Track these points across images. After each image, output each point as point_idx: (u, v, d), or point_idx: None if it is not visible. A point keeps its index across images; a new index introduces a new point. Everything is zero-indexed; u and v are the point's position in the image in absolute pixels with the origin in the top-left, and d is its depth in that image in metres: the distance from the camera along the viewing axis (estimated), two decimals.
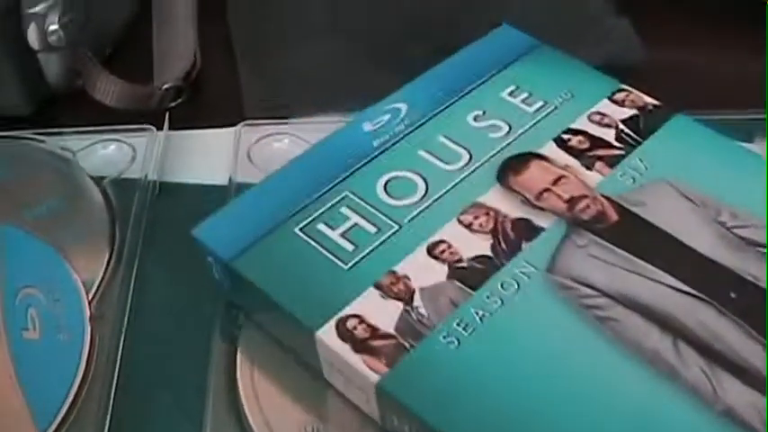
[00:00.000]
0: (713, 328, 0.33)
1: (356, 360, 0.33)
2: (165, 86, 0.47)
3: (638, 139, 0.40)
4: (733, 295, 0.35)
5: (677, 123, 0.41)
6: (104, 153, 0.45)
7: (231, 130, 0.45)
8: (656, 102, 0.42)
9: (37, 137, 0.46)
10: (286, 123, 0.45)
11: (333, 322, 0.34)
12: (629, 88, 0.42)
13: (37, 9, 0.44)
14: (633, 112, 0.41)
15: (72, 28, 0.45)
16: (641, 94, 0.42)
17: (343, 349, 0.33)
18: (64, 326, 0.37)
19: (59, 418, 0.35)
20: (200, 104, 0.48)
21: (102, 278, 0.40)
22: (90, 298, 0.38)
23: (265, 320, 0.37)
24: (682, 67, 0.48)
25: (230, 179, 0.43)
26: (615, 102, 0.42)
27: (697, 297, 0.34)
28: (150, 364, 0.38)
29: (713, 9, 0.53)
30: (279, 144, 0.44)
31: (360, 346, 0.33)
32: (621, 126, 0.40)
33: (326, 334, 0.33)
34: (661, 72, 0.47)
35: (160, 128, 0.46)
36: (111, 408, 0.35)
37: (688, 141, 0.40)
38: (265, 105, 0.46)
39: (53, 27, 0.44)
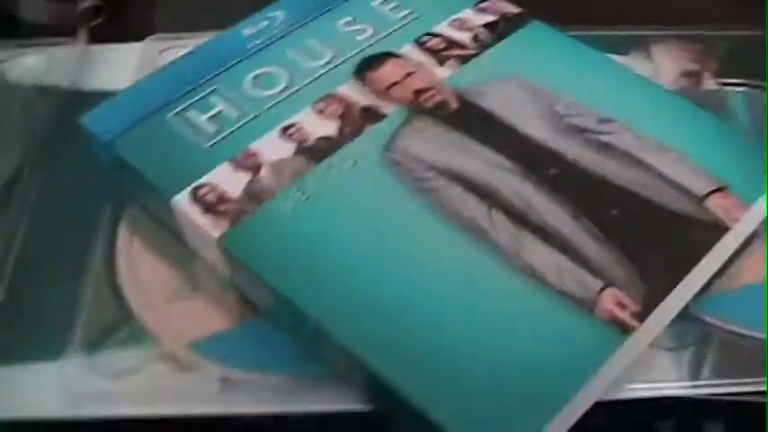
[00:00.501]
0: (527, 198, 0.37)
1: (203, 221, 0.37)
2: (86, 5, 0.51)
3: (492, 41, 0.43)
4: (552, 171, 0.38)
5: (532, 28, 0.44)
6: (27, 63, 0.49)
7: (140, 43, 0.49)
8: (517, 9, 0.45)
9: None
10: (190, 36, 0.48)
11: (188, 190, 0.38)
12: None
13: None
14: (494, 18, 0.45)
15: None
16: (505, 3, 0.45)
17: (194, 211, 0.37)
18: None
19: None
20: (121, 22, 0.52)
21: (13, 172, 0.44)
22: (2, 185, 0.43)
23: (140, 196, 0.41)
24: None
25: None
26: (479, 9, 0.45)
27: (517, 172, 0.38)
28: (45, 240, 0.42)
29: None
30: (182, 52, 0.48)
31: (208, 209, 0.37)
32: (479, 30, 0.44)
33: (181, 200, 0.38)
34: None
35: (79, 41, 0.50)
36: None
37: (538, 43, 0.43)
38: (176, 19, 0.50)
39: None
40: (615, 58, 0.46)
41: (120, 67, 0.48)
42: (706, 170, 0.38)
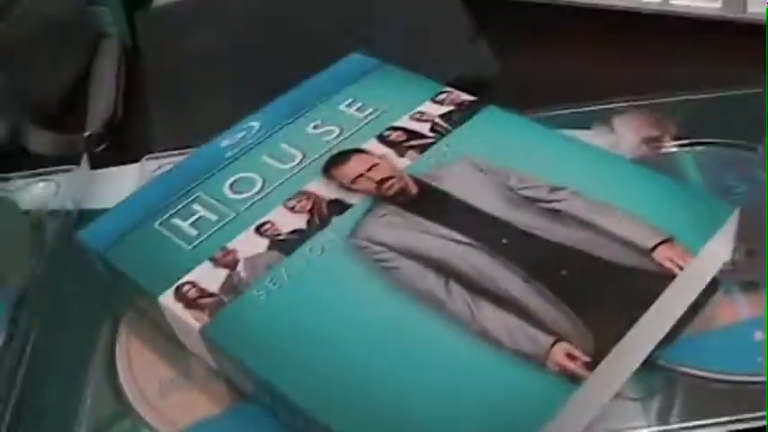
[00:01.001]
0: (481, 268, 0.40)
1: (186, 314, 0.40)
2: (86, 134, 0.56)
3: (449, 128, 0.47)
4: (504, 241, 0.41)
5: (487, 113, 0.47)
6: (34, 191, 0.54)
7: (136, 165, 0.54)
8: (472, 98, 0.49)
9: None
10: (180, 154, 0.53)
11: (172, 289, 0.41)
12: (451, 89, 0.49)
13: None
14: (450, 108, 0.48)
15: (9, 96, 0.55)
16: (461, 93, 0.49)
17: (177, 307, 0.41)
18: None
19: None
20: (121, 148, 0.57)
21: (25, 288, 0.48)
22: (15, 302, 0.47)
23: (134, 298, 0.44)
24: (534, 75, 0.56)
25: None
26: (436, 102, 0.49)
27: (472, 245, 0.41)
28: (53, 347, 0.46)
29: (559, 23, 0.61)
30: None
31: (190, 304, 0.40)
32: (437, 120, 0.47)
33: (166, 297, 0.41)
34: (516, 80, 0.55)
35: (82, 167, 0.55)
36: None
37: (491, 126, 0.47)
38: (169, 141, 0.55)
39: None
40: (579, 133, 0.49)
41: (119, 187, 0.52)
42: (652, 224, 0.40)
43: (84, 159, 0.55)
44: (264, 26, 0.62)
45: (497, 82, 0.55)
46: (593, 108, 0.53)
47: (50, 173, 0.55)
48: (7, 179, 0.55)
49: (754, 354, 0.40)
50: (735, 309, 0.42)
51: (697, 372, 0.40)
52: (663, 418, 0.39)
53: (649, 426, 0.39)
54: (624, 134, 0.51)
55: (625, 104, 0.53)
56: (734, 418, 0.39)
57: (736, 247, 0.43)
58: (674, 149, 0.51)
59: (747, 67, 0.56)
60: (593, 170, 0.44)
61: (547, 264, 0.39)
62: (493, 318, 0.38)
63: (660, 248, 0.39)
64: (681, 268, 0.38)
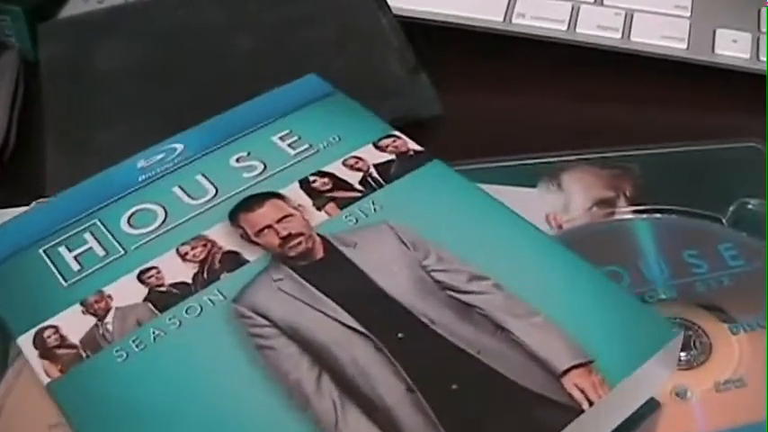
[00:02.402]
0: (363, 364, 0.35)
1: (37, 364, 0.36)
2: None
3: (381, 183, 0.41)
4: (400, 335, 0.36)
5: (429, 169, 0.42)
6: None
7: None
8: (419, 148, 0.43)
9: None
10: None
11: (33, 331, 0.37)
12: (399, 135, 0.44)
13: None
14: (390, 157, 0.43)
15: None
16: (408, 141, 0.43)
17: (32, 354, 0.37)
18: None
19: None
20: (11, 185, 0.50)
21: None
22: None
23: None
24: (477, 116, 0.50)
25: None
26: (378, 147, 0.43)
27: (361, 333, 0.36)
28: None
29: (506, 62, 0.55)
30: None
31: (45, 353, 0.36)
32: (372, 170, 0.42)
33: (24, 340, 0.37)
34: (457, 122, 0.49)
35: None
36: None
37: (428, 187, 0.41)
38: (66, 181, 0.46)
39: None
40: (524, 191, 0.44)
41: None
42: (573, 340, 0.35)
43: None
44: (182, 43, 0.54)
45: (437, 124, 0.49)
46: (539, 161, 0.47)
47: None
48: None
49: None
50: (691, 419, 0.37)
51: None
52: None
53: None
54: (574, 194, 0.46)
55: (575, 158, 0.47)
56: None
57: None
58: (629, 216, 0.45)
59: (717, 117, 0.50)
60: (526, 259, 0.38)
61: (438, 372, 0.34)
62: (355, 427, 0.33)
63: (573, 373, 0.34)
64: (591, 403, 0.33)
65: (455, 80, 0.52)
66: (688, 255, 0.43)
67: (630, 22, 0.55)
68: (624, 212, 0.45)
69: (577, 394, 0.33)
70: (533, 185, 0.46)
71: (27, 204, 0.46)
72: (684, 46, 0.54)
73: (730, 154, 0.47)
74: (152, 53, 0.54)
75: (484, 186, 0.42)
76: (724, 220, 0.44)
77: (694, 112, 0.51)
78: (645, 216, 0.45)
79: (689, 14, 0.56)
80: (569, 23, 0.55)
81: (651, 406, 0.37)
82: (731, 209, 0.45)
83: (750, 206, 0.45)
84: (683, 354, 0.38)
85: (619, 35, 0.54)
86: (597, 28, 0.54)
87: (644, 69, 0.54)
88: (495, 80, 0.55)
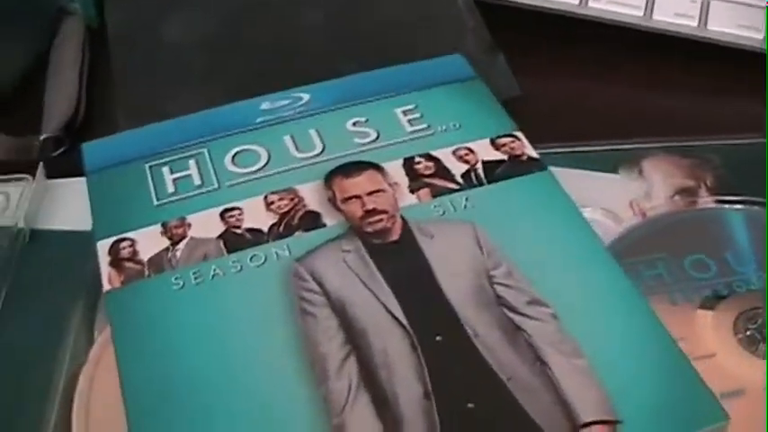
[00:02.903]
0: (392, 357, 0.34)
1: (105, 270, 0.38)
2: (43, 137, 0.49)
3: (483, 181, 0.40)
4: (438, 338, 0.35)
5: (536, 179, 0.40)
6: None
7: None
8: (535, 155, 0.41)
9: None
10: None
11: (113, 238, 0.39)
12: (521, 137, 0.42)
13: None
14: (503, 157, 0.41)
15: None
16: (527, 145, 0.42)
17: (104, 260, 0.39)
18: None
19: None
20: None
21: None
22: None
23: None
24: (555, 100, 0.49)
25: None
26: (494, 144, 0.42)
27: (402, 326, 0.35)
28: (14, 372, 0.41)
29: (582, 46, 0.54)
30: None
31: (115, 262, 0.38)
32: (479, 166, 0.41)
33: (102, 245, 0.39)
34: (535, 105, 0.47)
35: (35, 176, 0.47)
36: None
37: (529, 198, 0.40)
38: None
39: None
40: (606, 176, 0.44)
41: (80, 202, 0.44)
42: (608, 394, 0.33)
43: (40, 169, 0.47)
44: (249, 15, 0.53)
45: (513, 105, 0.46)
46: (619, 147, 0.46)
47: None
48: None
49: None
50: None
51: None
52: None
53: None
54: (655, 182, 0.45)
55: (655, 146, 0.46)
56: None
57: None
58: (714, 205, 0.44)
59: None
60: (594, 298, 0.36)
61: (461, 386, 0.33)
62: (360, 417, 0.33)
63: (594, 428, 0.32)
64: None
65: (530, 63, 0.51)
66: None
67: (707, 10, 0.53)
68: (706, 202, 0.44)
69: None
70: (614, 172, 0.45)
71: None
72: (761, 36, 0.52)
73: None
74: (218, 24, 0.53)
75: (566, 171, 0.41)
76: None
77: None
78: (733, 206, 0.44)
79: (766, 3, 0.53)
80: (645, 9, 0.54)
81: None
82: None
83: None
84: None
85: (695, 23, 0.53)
86: (674, 15, 0.53)
87: (720, 59, 0.52)
88: (570, 64, 0.54)
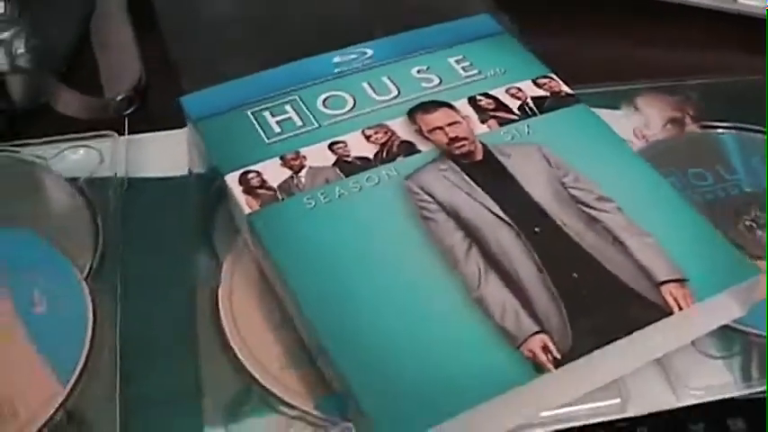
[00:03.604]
0: (505, 244, 0.43)
1: (242, 198, 0.45)
2: (119, 97, 0.55)
3: (536, 112, 0.50)
4: (537, 229, 0.44)
5: (576, 109, 0.50)
6: (74, 158, 0.52)
7: (184, 129, 0.53)
8: (570, 91, 0.51)
9: (11, 148, 0.52)
10: None
11: (239, 172, 0.46)
12: (554, 77, 0.52)
13: (4, 36, 0.52)
14: (546, 93, 0.51)
15: (36, 51, 0.53)
16: (561, 83, 0.52)
17: (237, 189, 0.45)
18: (64, 299, 0.45)
19: (77, 373, 0.42)
20: (150, 111, 0.56)
21: (92, 261, 0.47)
22: (85, 276, 0.46)
23: (217, 179, 0.48)
24: (558, 53, 0.56)
25: (189, 171, 0.51)
26: (536, 84, 0.51)
27: (506, 222, 0.44)
28: (143, 322, 0.45)
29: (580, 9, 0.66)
30: None
31: (248, 190, 0.45)
32: (529, 101, 0.50)
33: (231, 177, 0.46)
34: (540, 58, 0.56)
35: (121, 133, 0.53)
36: (118, 357, 0.43)
37: (573, 123, 0.49)
38: None
39: (20, 51, 0.52)
40: (609, 113, 0.54)
41: (168, 153, 0.53)
42: (673, 261, 0.42)
43: (125, 124, 0.53)
44: None
45: None
46: (616, 88, 0.58)
47: (83, 138, 0.53)
48: (30, 144, 0.53)
49: None
50: None
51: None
52: (745, 376, 0.44)
53: (735, 382, 0.44)
54: (650, 114, 0.56)
55: (645, 86, 0.58)
56: None
57: None
58: (698, 130, 0.56)
59: (752, 57, 0.62)
60: (644, 193, 0.46)
61: (564, 262, 0.42)
62: (494, 290, 0.41)
63: (670, 285, 0.42)
64: (680, 308, 0.41)
65: (532, 23, 0.60)
66: (753, 160, 0.54)
67: None
68: (692, 128, 0.56)
69: (671, 301, 0.41)
70: (617, 108, 0.57)
71: (170, 129, 0.54)
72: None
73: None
74: None
75: None
76: None
77: (733, 53, 0.64)
78: (714, 130, 0.56)
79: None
80: None
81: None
82: None
83: None
84: None
85: None
86: None
87: (693, 17, 0.65)
88: (569, 24, 0.66)
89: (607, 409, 0.43)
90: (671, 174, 0.52)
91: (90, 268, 0.47)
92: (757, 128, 0.56)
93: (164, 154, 0.53)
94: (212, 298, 0.46)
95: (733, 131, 0.56)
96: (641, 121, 0.56)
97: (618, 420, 0.43)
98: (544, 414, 0.42)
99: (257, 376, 0.43)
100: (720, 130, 0.56)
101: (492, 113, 0.50)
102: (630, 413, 0.43)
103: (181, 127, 0.53)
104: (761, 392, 0.44)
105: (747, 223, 0.50)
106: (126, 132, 0.54)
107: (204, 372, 0.43)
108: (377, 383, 0.38)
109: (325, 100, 0.50)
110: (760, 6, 0.64)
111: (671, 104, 0.57)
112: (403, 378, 0.38)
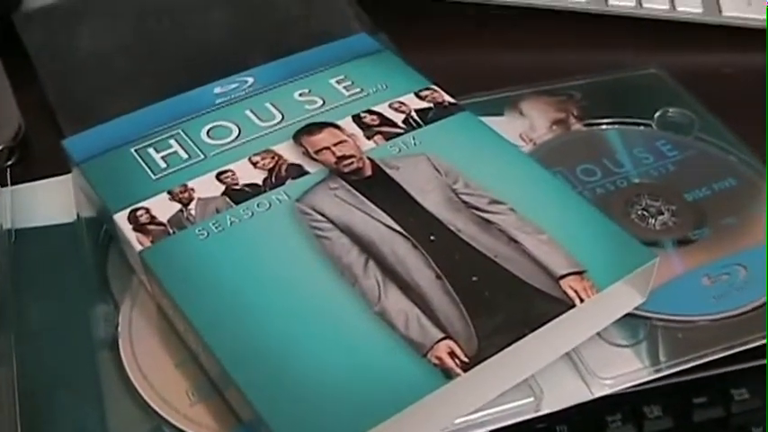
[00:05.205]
0: (402, 256, 0.43)
1: (131, 235, 0.44)
2: (0, 148, 0.54)
3: (421, 124, 0.50)
4: (432, 238, 0.44)
5: (461, 117, 0.50)
6: None
7: (68, 176, 0.52)
8: (453, 100, 0.51)
9: None
10: None
11: (127, 210, 0.45)
12: (436, 88, 0.52)
13: None
14: (429, 105, 0.51)
15: None
16: (443, 94, 0.52)
17: (127, 227, 0.44)
18: None
19: None
20: (33, 159, 0.56)
21: None
22: None
23: (106, 221, 0.48)
24: (437, 65, 0.57)
25: (78, 215, 0.50)
26: (419, 96, 0.52)
27: (401, 233, 0.44)
28: (43, 373, 0.44)
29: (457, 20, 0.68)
30: None
31: (138, 227, 0.44)
32: (413, 113, 0.51)
33: (120, 216, 0.45)
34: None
35: (4, 184, 0.53)
36: (17, 412, 0.42)
37: (460, 130, 0.50)
38: None
39: None
40: (493, 119, 0.55)
41: (55, 200, 0.52)
42: (570, 254, 0.43)
43: (8, 175, 0.53)
44: (157, 20, 0.61)
45: None
46: (499, 96, 0.59)
47: None
48: None
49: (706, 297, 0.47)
50: (673, 263, 0.49)
51: (668, 317, 0.46)
52: (654, 361, 0.45)
53: (645, 367, 0.44)
54: (534, 117, 0.57)
55: (527, 91, 0.59)
56: (712, 349, 0.45)
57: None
58: (583, 128, 0.57)
59: (623, 54, 0.66)
60: (535, 191, 0.46)
61: (462, 267, 0.42)
62: (395, 302, 0.41)
63: (569, 278, 0.42)
64: (581, 300, 0.41)
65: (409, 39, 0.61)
66: (637, 151, 0.56)
67: None
68: (577, 127, 0.58)
69: (571, 293, 0.41)
70: (500, 114, 0.58)
71: (53, 176, 0.53)
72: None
73: (643, 79, 0.62)
74: (130, 31, 0.61)
75: None
76: (654, 125, 0.58)
77: (605, 52, 0.67)
78: (598, 127, 0.58)
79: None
80: None
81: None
82: (656, 116, 0.58)
83: (669, 113, 0.59)
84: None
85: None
86: None
87: (560, 21, 0.68)
88: (445, 37, 0.68)
89: (521, 408, 0.43)
90: (560, 172, 0.53)
91: None
92: (639, 121, 0.58)
93: (50, 201, 0.52)
94: (113, 341, 0.45)
95: (616, 126, 0.57)
96: (526, 124, 0.57)
97: (536, 420, 0.43)
98: (459, 421, 0.41)
99: (166, 416, 0.42)
100: (604, 127, 0.57)
101: (377, 129, 0.50)
102: (546, 410, 0.43)
103: (67, 172, 0.52)
104: (671, 378, 0.44)
105: (639, 212, 0.51)
106: (9, 183, 0.52)
107: (110, 418, 0.42)
108: (286, 406, 0.37)
109: (209, 131, 0.49)
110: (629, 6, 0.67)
111: (554, 106, 0.58)
112: (312, 398, 0.38)
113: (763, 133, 0.56)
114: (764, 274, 0.48)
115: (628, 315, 0.45)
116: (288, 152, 0.48)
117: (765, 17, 0.66)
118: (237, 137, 0.49)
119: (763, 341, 0.45)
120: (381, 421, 0.37)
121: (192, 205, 0.45)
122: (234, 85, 0.52)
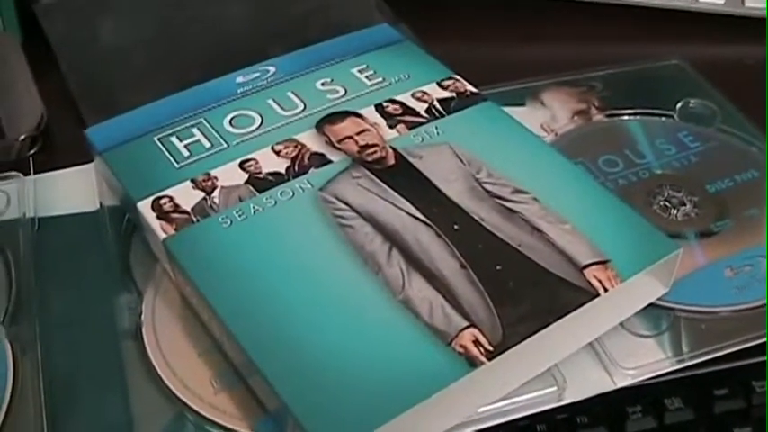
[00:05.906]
0: (425, 244, 0.43)
1: (155, 223, 0.44)
2: (21, 138, 0.54)
3: (443, 113, 0.50)
4: (456, 227, 0.44)
5: (483, 107, 0.50)
6: None
7: (91, 165, 0.52)
8: (475, 90, 0.51)
9: None
10: None
11: (151, 198, 0.45)
12: (459, 78, 0.52)
13: None
14: (451, 94, 0.51)
15: None
16: (465, 83, 0.52)
17: (150, 215, 0.44)
18: None
19: (1, 418, 0.41)
20: (55, 148, 0.56)
21: (8, 305, 0.46)
22: (1, 320, 0.45)
23: (129, 209, 0.48)
24: (459, 56, 0.57)
25: (101, 204, 0.51)
26: (441, 86, 0.52)
27: (424, 222, 0.44)
28: (67, 361, 0.44)
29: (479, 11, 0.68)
30: None
31: (162, 215, 0.44)
32: (435, 103, 0.50)
33: (144, 204, 0.45)
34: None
35: (27, 173, 0.52)
36: (42, 399, 0.42)
37: (481, 120, 0.49)
38: None
39: None
40: (515, 109, 0.54)
41: (76, 189, 0.52)
42: (594, 244, 0.43)
43: (31, 164, 0.53)
44: (177, 11, 0.60)
45: None
46: (520, 86, 0.58)
47: None
48: None
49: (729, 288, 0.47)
50: (696, 254, 0.49)
51: (691, 308, 0.46)
52: (676, 351, 0.44)
53: (667, 358, 0.44)
54: (556, 108, 0.57)
55: (549, 81, 0.59)
56: (735, 340, 0.45)
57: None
58: (604, 119, 0.57)
59: (645, 45, 0.66)
60: (558, 181, 0.46)
61: (486, 255, 0.42)
62: (420, 290, 0.41)
63: (593, 268, 0.42)
64: (606, 290, 0.41)
65: (429, 30, 0.61)
66: (659, 143, 0.55)
67: None
68: (598, 117, 0.57)
69: (596, 283, 0.41)
70: (522, 105, 0.57)
71: (75, 165, 0.53)
72: None
73: (665, 70, 0.61)
74: (152, 23, 0.60)
75: None
76: (675, 117, 0.57)
77: (630, 43, 0.67)
78: (619, 118, 0.57)
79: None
80: None
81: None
82: (678, 107, 0.58)
83: (691, 104, 0.58)
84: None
85: None
86: None
87: (588, 13, 0.67)
88: (466, 28, 0.68)
89: (545, 398, 0.43)
90: (581, 163, 0.53)
91: (6, 312, 0.45)
92: (660, 112, 0.57)
93: (73, 190, 0.52)
94: (136, 330, 0.45)
95: (637, 117, 0.57)
96: (548, 115, 0.57)
97: (558, 410, 0.43)
98: (482, 409, 0.41)
99: (190, 403, 0.42)
100: (625, 117, 0.57)
101: (400, 118, 0.49)
102: (569, 399, 0.43)
103: (89, 161, 0.52)
104: (694, 369, 0.44)
105: (662, 203, 0.51)
106: (32, 172, 0.53)
107: (134, 405, 0.42)
108: (311, 395, 0.37)
109: (231, 120, 0.49)
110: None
111: (575, 97, 0.58)
112: (336, 386, 0.38)
113: None
114: None
115: (651, 305, 0.45)
116: (310, 141, 0.48)
117: (766, 15, 0.66)
118: (260, 126, 0.49)
119: None
120: (406, 409, 0.37)
121: (216, 193, 0.45)
122: (256, 75, 0.52)
